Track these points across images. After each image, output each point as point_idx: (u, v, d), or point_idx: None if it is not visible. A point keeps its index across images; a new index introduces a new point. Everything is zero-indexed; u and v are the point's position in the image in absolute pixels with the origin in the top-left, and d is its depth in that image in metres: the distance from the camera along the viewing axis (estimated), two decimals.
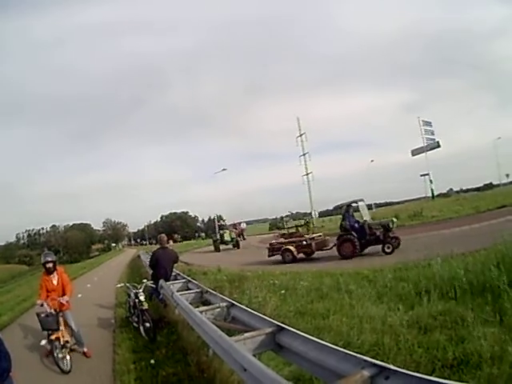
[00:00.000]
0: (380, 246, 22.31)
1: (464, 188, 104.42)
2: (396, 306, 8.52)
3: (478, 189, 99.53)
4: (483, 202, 40.59)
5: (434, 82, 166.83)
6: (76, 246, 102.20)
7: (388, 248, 21.17)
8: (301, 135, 75.70)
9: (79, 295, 20.89)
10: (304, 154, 74.77)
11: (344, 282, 11.42)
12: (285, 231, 27.58)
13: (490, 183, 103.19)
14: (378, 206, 79.22)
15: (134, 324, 11.07)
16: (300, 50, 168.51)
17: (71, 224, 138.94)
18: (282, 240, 24.17)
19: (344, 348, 4.51)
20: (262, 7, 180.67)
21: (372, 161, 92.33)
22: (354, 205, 24.43)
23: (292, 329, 5.41)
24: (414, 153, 78.95)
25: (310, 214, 69.39)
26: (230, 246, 42.04)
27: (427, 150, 74.67)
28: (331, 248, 22.95)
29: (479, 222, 25.36)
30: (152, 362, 8.39)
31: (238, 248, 40.86)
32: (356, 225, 22.81)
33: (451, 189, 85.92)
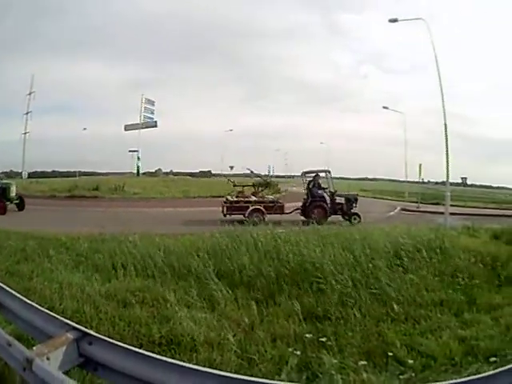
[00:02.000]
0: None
1: (175, 171, 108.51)
2: (93, 277, 9.32)
3: (191, 174, 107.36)
4: (194, 187, 45.30)
5: (176, 68, 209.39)
6: None
7: (355, 219, 23.43)
8: (30, 94, 73.02)
9: None
10: (27, 113, 72.99)
11: (42, 246, 12.25)
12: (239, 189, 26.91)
13: (209, 171, 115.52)
14: (82, 174, 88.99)
15: None
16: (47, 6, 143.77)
17: None
18: (249, 198, 24.73)
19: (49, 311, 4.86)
20: None
21: (84, 129, 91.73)
22: (321, 174, 26.05)
23: (6, 287, 5.49)
24: (127, 128, 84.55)
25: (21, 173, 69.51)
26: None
27: (142, 128, 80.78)
28: (290, 212, 24.16)
29: (186, 206, 28.56)
30: None
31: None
32: (323, 193, 24.73)
33: (160, 169, 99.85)
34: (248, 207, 23.46)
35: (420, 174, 43.93)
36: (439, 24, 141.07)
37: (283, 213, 23.77)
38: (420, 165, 43.07)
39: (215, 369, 4.34)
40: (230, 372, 4.62)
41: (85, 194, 37.80)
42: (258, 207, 23.41)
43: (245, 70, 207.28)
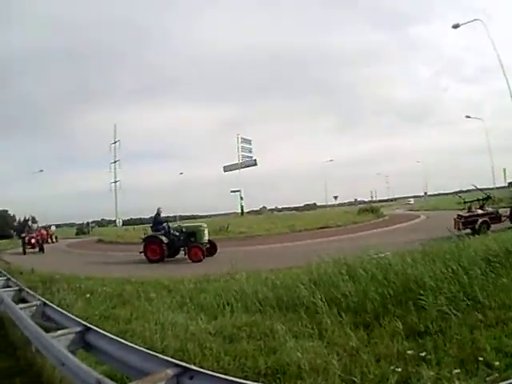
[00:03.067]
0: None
1: (280, 207, 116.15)
2: (198, 316, 9.24)
3: (297, 208, 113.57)
4: (300, 221, 44.44)
5: (262, 102, 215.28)
6: None
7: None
8: (115, 142, 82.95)
9: None
10: (115, 162, 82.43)
11: (144, 291, 12.85)
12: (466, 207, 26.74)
13: (314, 204, 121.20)
14: (183, 218, 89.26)
15: None
16: (123, 56, 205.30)
17: None
18: (478, 212, 25.15)
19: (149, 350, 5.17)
20: (94, 10, 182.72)
21: (181, 173, 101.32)
22: None
23: (98, 329, 6.04)
24: (226, 169, 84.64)
25: (115, 221, 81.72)
26: (37, 249, 41.31)
27: (242, 167, 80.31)
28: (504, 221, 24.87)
29: (292, 241, 27.70)
30: None
31: (43, 252, 40.52)
32: None
33: (264, 207, 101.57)
34: (477, 220, 23.97)
35: (505, 178, 43.44)
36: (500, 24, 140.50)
37: (500, 222, 24.30)
38: (504, 169, 42.53)
39: None
40: None
41: None
42: (485, 219, 24.00)
43: (333, 98, 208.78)
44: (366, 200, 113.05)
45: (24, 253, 40.40)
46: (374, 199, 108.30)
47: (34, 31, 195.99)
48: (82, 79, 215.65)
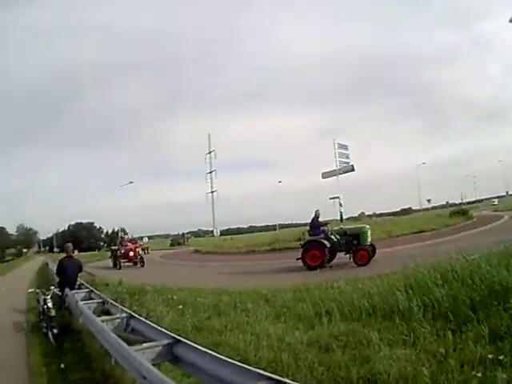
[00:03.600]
0: None
1: (378, 212, 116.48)
2: (295, 326, 9.17)
3: (393, 213, 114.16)
4: (397, 226, 43.77)
5: (358, 106, 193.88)
6: None
7: None
8: (210, 152, 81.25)
9: None
10: (211, 172, 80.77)
11: (241, 301, 12.64)
12: None
13: (409, 208, 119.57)
14: (283, 226, 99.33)
15: (44, 329, 11.99)
16: (215, 67, 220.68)
17: None
18: None
19: (241, 363, 4.91)
20: (179, 23, 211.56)
21: (280, 182, 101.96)
22: None
23: (188, 341, 5.90)
24: (324, 176, 78.79)
25: (212, 231, 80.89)
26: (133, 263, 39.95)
27: (340, 174, 75.46)
28: None
29: (391, 246, 27.33)
30: (62, 366, 8.80)
31: (143, 265, 38.58)
32: None
33: (362, 212, 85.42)
34: None
35: None
36: None
37: None
38: None
39: None
40: None
41: (287, 246, 37.07)
42: None
43: (418, 101, 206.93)
44: (457, 202, 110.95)
45: (115, 266, 38.72)
46: (463, 201, 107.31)
47: (123, 44, 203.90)
48: (171, 91, 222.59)
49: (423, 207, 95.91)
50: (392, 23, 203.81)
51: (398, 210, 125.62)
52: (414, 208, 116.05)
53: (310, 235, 23.79)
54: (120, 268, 37.65)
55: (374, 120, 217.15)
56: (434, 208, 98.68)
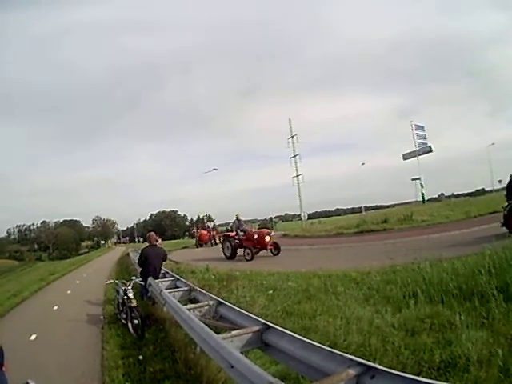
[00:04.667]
0: None
1: (455, 193, 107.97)
2: (383, 309, 9.16)
3: (469, 194, 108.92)
4: (474, 207, 41.34)
5: (427, 87, 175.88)
6: (66, 242, 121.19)
7: None
8: (292, 137, 77.34)
9: (68, 291, 24.46)
10: (295, 156, 77.28)
11: (331, 284, 12.44)
12: None
13: (483, 189, 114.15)
14: (368, 209, 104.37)
15: (123, 321, 12.31)
16: (294, 52, 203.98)
17: (61, 220, 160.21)
18: None
19: (331, 348, 4.84)
20: (257, 9, 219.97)
21: (363, 164, 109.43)
22: None
23: (279, 327, 5.97)
24: (405, 157, 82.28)
25: (299, 215, 78.16)
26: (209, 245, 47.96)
27: (419, 155, 77.75)
28: None
29: (469, 227, 26.26)
30: (140, 358, 9.06)
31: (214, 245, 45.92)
32: None
33: (442, 193, 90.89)
34: None
35: None
36: None
37: None
38: None
39: None
40: None
41: (373, 228, 36.96)
42: None
43: (481, 83, 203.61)
44: None
45: (197, 246, 48.31)
46: None
47: (208, 31, 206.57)
48: (250, 76, 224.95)
49: (495, 188, 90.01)
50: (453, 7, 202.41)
51: (473, 190, 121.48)
52: (486, 189, 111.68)
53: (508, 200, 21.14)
54: (198, 247, 47.60)
55: (445, 102, 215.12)
56: (504, 189, 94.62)
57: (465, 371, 5.67)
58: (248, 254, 26.85)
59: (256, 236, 28.55)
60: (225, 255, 29.54)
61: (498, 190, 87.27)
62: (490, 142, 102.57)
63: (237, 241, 29.02)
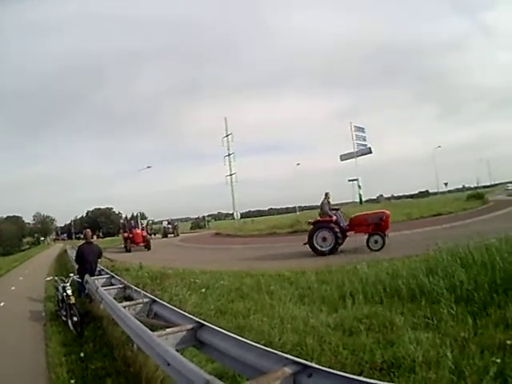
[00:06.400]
0: None
1: (396, 195, 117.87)
2: (319, 308, 9.26)
3: (411, 196, 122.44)
4: (416, 209, 44.75)
5: (372, 91, 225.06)
6: (9, 238, 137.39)
7: None
8: (227, 136, 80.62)
9: (12, 288, 23.93)
10: (229, 155, 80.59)
11: (264, 283, 12.51)
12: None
13: (426, 191, 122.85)
14: (303, 209, 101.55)
15: (63, 318, 12.05)
16: (238, 54, 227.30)
17: (5, 217, 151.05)
18: None
19: (265, 347, 4.85)
20: (202, 11, 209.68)
21: (298, 164, 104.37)
22: None
23: (212, 326, 5.95)
24: (343, 158, 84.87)
25: (232, 214, 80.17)
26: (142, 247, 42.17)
27: (358, 156, 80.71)
28: None
29: (410, 228, 27.22)
30: (81, 355, 8.91)
31: (149, 249, 41.08)
32: None
33: (381, 195, 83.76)
34: None
35: None
36: None
37: None
38: None
39: None
40: None
41: (307, 228, 36.69)
42: None
43: (431, 87, 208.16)
44: (472, 186, 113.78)
45: (128, 250, 40.93)
46: (479, 185, 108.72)
47: (148, 31, 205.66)
48: (189, 76, 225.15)
49: (440, 190, 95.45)
50: (405, 12, 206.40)
51: (416, 192, 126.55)
52: (431, 191, 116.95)
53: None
54: (129, 251, 40.12)
55: (390, 105, 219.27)
56: (450, 191, 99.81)
57: (411, 372, 5.60)
58: (376, 241, 19.53)
59: (375, 218, 20.93)
60: (315, 249, 20.68)
61: (443, 193, 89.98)
62: (436, 145, 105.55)
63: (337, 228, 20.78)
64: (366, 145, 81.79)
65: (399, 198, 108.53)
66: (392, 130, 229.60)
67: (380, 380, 4.92)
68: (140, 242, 41.90)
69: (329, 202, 21.99)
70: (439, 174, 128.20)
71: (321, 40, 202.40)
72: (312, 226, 21.62)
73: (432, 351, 6.02)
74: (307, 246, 21.06)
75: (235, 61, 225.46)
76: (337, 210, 21.83)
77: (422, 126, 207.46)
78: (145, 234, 43.73)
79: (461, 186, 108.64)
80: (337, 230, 20.33)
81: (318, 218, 21.92)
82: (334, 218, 21.01)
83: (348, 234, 20.97)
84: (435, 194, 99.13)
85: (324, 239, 20.56)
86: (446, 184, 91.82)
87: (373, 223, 20.44)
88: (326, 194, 21.98)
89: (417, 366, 5.69)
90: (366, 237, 20.03)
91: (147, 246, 41.39)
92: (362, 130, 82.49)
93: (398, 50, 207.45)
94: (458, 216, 35.56)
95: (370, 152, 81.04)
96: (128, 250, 40.93)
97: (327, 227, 20.49)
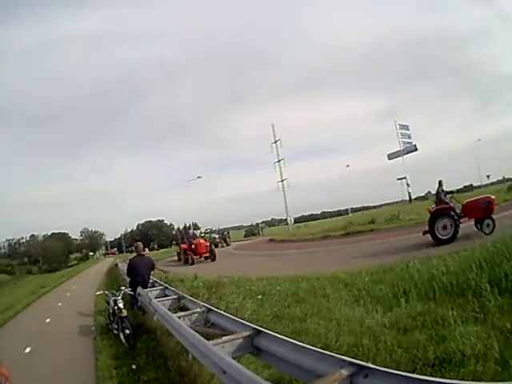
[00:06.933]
0: None
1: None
2: (374, 309, 9.19)
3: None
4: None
5: (410, 87, 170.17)
6: (55, 255, 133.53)
7: None
8: (275, 142, 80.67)
9: (59, 304, 24.19)
10: (279, 161, 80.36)
11: (320, 286, 12.59)
12: None
13: (471, 185, 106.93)
14: (354, 210, 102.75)
15: (114, 331, 12.24)
16: (276, 58, 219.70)
17: (50, 233, 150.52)
18: None
19: (322, 350, 4.80)
20: (237, 19, 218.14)
21: (347, 166, 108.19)
22: None
23: (269, 331, 5.94)
24: (390, 157, 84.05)
25: (285, 220, 78.72)
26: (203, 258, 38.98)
27: (404, 154, 79.74)
28: None
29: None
30: (133, 367, 9.01)
31: (213, 260, 37.71)
32: None
33: (429, 192, 78.00)
34: None
35: None
36: None
37: None
38: None
39: (477, 380, 4.93)
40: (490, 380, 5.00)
41: (360, 230, 37.37)
42: None
43: (465, 80, 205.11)
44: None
45: (188, 262, 37.84)
46: None
47: (184, 40, 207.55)
48: (233, 85, 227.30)
49: (483, 183, 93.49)
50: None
51: (461, 187, 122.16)
52: (474, 184, 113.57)
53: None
54: (193, 263, 36.57)
55: (428, 100, 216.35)
56: (492, 184, 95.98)
57: (460, 366, 5.64)
58: (488, 225, 19.23)
59: (484, 203, 20.54)
60: (437, 238, 19.73)
61: (486, 185, 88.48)
62: (476, 138, 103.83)
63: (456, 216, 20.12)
64: (411, 142, 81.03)
65: (446, 193, 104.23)
66: (432, 126, 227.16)
67: (431, 376, 5.11)
68: (204, 252, 38.58)
69: (443, 190, 21.31)
70: (482, 167, 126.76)
71: (354, 39, 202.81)
72: (431, 215, 20.70)
73: (480, 344, 6.03)
74: (428, 235, 20.31)
75: (273, 66, 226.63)
76: (452, 196, 21.31)
77: (461, 120, 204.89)
78: (208, 243, 39.94)
79: (501, 178, 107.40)
80: (456, 217, 19.73)
81: (434, 207, 21.24)
82: (451, 204, 20.61)
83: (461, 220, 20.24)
84: (478, 187, 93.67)
85: (444, 227, 19.90)
86: (488, 176, 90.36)
87: (482, 208, 20.13)
88: (440, 182, 21.49)
89: (466, 359, 5.73)
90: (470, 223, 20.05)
91: (211, 257, 37.99)
92: (406, 127, 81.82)
93: (431, 42, 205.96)
94: (501, 207, 31.72)
95: (416, 149, 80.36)
96: (190, 263, 37.03)
97: (447, 215, 19.84)
